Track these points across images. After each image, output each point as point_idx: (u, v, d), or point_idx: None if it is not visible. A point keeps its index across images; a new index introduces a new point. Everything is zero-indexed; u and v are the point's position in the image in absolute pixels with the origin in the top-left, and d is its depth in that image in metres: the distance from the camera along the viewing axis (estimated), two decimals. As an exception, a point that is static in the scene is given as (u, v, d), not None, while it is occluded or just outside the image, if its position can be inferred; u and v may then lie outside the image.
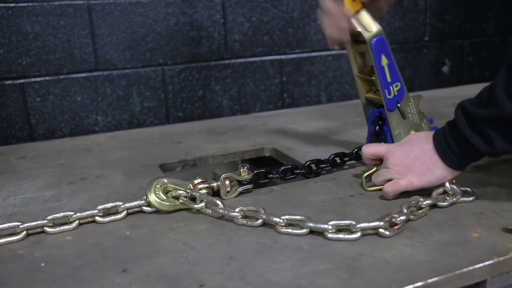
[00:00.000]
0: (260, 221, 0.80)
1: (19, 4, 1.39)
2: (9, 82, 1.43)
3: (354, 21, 0.96)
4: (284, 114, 1.63)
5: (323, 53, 1.79)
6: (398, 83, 1.01)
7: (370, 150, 0.95)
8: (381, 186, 0.90)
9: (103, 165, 1.16)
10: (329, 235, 0.75)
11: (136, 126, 1.59)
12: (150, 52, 1.56)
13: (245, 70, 1.69)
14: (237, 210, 0.82)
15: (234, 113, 1.70)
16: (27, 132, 1.47)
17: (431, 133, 0.87)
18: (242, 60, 1.68)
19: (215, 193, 0.93)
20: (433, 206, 0.85)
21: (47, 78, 1.46)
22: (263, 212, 0.80)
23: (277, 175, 0.98)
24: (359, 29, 0.96)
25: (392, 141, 1.03)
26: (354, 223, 0.76)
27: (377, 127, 1.05)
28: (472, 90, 1.74)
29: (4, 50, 1.40)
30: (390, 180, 0.88)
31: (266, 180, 0.97)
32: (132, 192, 0.98)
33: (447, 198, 0.85)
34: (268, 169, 0.98)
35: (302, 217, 0.78)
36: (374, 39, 0.97)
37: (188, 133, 1.44)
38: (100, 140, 1.40)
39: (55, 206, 0.93)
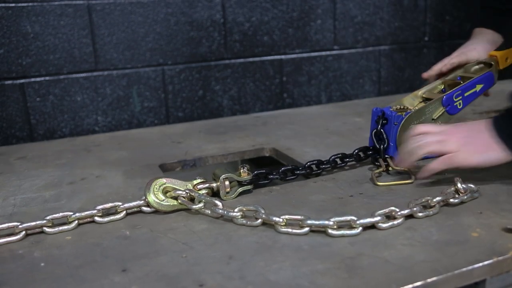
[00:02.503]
0: (259, 220, 0.80)
1: (19, 4, 1.39)
2: (9, 82, 1.43)
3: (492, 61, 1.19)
4: (284, 114, 1.64)
5: (323, 53, 1.79)
6: (461, 105, 1.12)
7: (421, 128, 0.93)
8: (393, 182, 0.93)
9: (103, 165, 1.16)
10: (331, 231, 0.75)
11: (136, 126, 1.59)
12: (150, 52, 1.56)
13: (245, 70, 1.69)
14: (236, 210, 0.82)
15: (234, 113, 1.70)
16: (27, 132, 1.47)
17: (485, 121, 0.88)
18: (242, 60, 1.68)
19: (215, 193, 0.92)
20: (444, 204, 0.85)
21: (47, 78, 1.46)
22: (262, 212, 0.80)
23: (277, 176, 0.98)
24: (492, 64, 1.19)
25: (395, 142, 1.04)
26: (355, 218, 0.76)
27: (379, 126, 1.06)
28: (472, 90, 1.74)
29: (4, 50, 1.40)
30: (432, 152, 0.88)
31: (266, 181, 0.97)
32: (132, 192, 0.98)
33: (457, 196, 0.86)
34: (268, 169, 0.97)
35: (302, 216, 0.78)
36: (492, 74, 1.18)
37: (188, 133, 1.44)
38: (100, 140, 1.40)
39: (55, 206, 0.93)
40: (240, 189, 0.94)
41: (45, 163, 1.20)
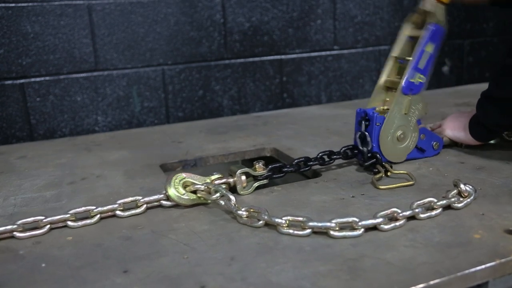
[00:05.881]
0: (262, 221, 0.80)
1: (19, 4, 1.39)
2: (9, 82, 1.42)
3: (433, 5, 1.06)
4: (284, 114, 1.63)
5: (323, 53, 1.79)
6: (423, 77, 1.05)
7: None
8: (395, 185, 0.94)
9: (103, 165, 1.16)
10: (333, 233, 0.75)
11: (136, 126, 1.58)
12: (150, 52, 1.55)
13: (245, 70, 1.69)
14: (243, 209, 0.82)
15: (234, 113, 1.70)
16: (27, 132, 1.47)
17: (469, 114, 1.12)
18: (242, 60, 1.68)
19: (232, 189, 0.94)
20: (447, 207, 0.85)
21: (47, 78, 1.46)
22: (267, 213, 0.80)
23: (291, 169, 0.99)
24: (433, 11, 1.05)
25: (378, 143, 1.03)
26: (356, 220, 0.76)
27: (363, 128, 1.06)
28: (472, 90, 1.74)
29: (4, 50, 1.40)
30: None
31: (281, 174, 0.99)
32: (133, 192, 0.98)
33: (461, 199, 0.85)
34: (282, 163, 0.99)
35: (304, 218, 0.78)
36: (437, 26, 1.06)
37: (188, 133, 1.44)
38: (100, 140, 1.40)
39: (55, 206, 0.93)
40: (256, 184, 0.96)
41: (46, 163, 1.20)
